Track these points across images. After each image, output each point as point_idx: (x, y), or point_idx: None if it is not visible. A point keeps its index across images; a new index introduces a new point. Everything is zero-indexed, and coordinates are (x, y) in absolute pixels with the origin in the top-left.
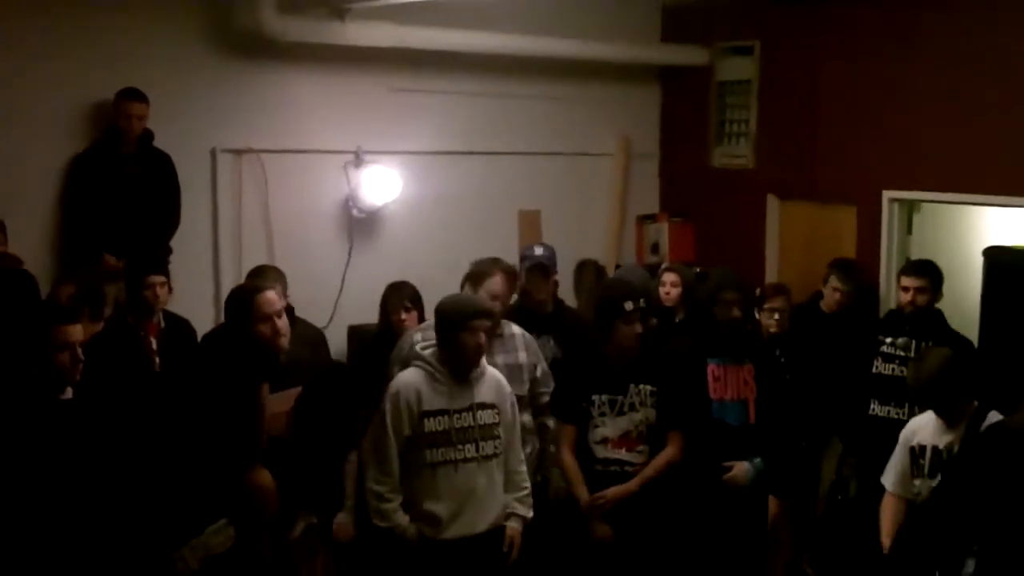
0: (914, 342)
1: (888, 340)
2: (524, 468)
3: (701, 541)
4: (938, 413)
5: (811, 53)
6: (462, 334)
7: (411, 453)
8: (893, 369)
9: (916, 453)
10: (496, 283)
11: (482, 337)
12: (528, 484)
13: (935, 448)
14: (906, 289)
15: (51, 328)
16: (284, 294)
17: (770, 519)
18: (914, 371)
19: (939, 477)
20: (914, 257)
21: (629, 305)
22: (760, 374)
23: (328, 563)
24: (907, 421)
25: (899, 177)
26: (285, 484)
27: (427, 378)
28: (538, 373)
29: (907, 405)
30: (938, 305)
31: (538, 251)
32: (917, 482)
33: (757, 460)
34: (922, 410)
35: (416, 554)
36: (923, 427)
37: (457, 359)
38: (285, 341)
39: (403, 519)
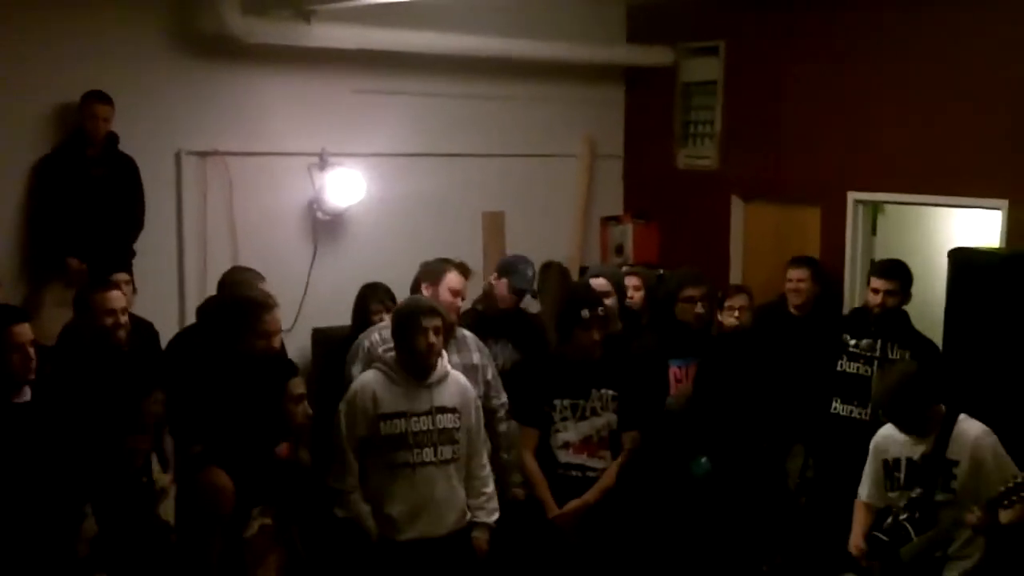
0: (879, 342)
1: (852, 341)
2: (486, 472)
3: (667, 538)
4: (904, 430)
5: (776, 54)
6: (412, 334)
7: (369, 455)
8: (857, 368)
9: (891, 466)
10: (454, 279)
11: (432, 336)
12: (490, 488)
13: (909, 459)
14: (876, 291)
15: (2, 330)
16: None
17: None
18: (876, 388)
19: (916, 489)
20: (878, 258)
21: (585, 313)
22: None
23: (281, 563)
24: (868, 420)
25: (864, 178)
26: (242, 483)
27: (385, 380)
28: (489, 376)
29: (870, 405)
30: (904, 306)
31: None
32: (893, 495)
33: (704, 460)
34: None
35: (374, 552)
36: (894, 439)
37: (412, 360)
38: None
39: (364, 508)
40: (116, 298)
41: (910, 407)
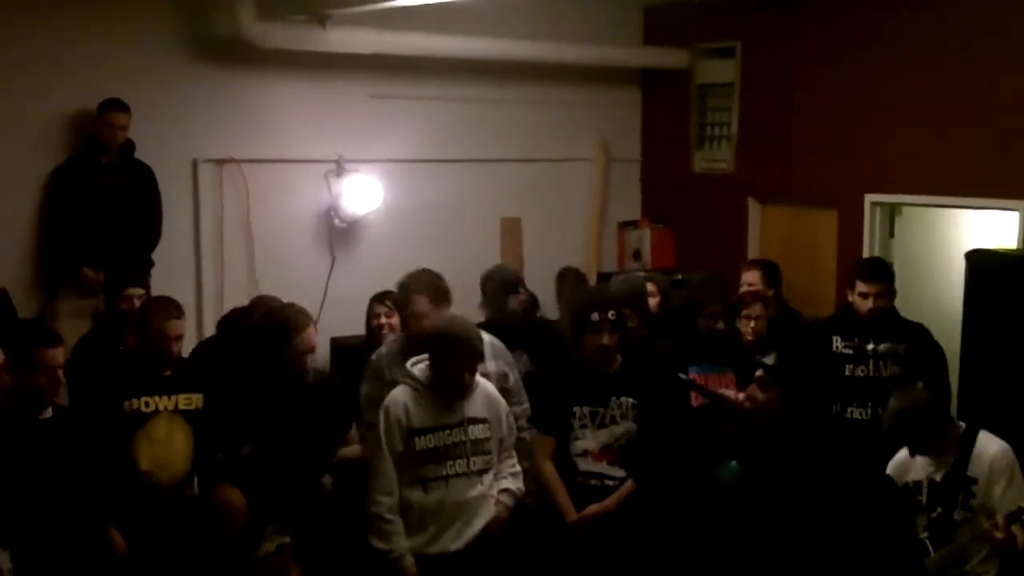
0: (871, 340)
1: (844, 343)
2: (515, 458)
3: (685, 547)
4: (920, 453)
5: (792, 56)
6: (456, 365)
7: (402, 470)
8: (852, 370)
9: (911, 489)
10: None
11: (474, 369)
12: (517, 468)
13: (931, 481)
14: (865, 295)
15: (33, 349)
16: None
17: None
18: (888, 415)
19: (939, 509)
20: (897, 262)
21: (595, 316)
22: (741, 381)
23: None
24: (869, 420)
25: (881, 180)
26: (256, 501)
27: (415, 396)
28: (509, 383)
29: (870, 405)
30: (921, 309)
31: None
32: (917, 518)
33: (733, 463)
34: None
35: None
36: (912, 463)
37: (446, 385)
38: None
39: (401, 544)
40: (176, 327)
41: (922, 433)
